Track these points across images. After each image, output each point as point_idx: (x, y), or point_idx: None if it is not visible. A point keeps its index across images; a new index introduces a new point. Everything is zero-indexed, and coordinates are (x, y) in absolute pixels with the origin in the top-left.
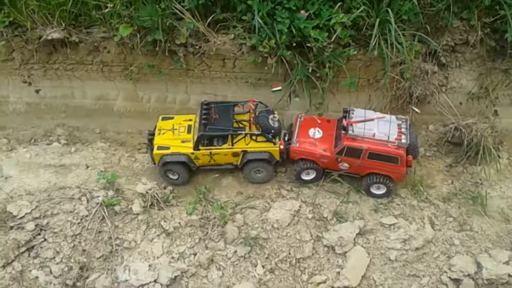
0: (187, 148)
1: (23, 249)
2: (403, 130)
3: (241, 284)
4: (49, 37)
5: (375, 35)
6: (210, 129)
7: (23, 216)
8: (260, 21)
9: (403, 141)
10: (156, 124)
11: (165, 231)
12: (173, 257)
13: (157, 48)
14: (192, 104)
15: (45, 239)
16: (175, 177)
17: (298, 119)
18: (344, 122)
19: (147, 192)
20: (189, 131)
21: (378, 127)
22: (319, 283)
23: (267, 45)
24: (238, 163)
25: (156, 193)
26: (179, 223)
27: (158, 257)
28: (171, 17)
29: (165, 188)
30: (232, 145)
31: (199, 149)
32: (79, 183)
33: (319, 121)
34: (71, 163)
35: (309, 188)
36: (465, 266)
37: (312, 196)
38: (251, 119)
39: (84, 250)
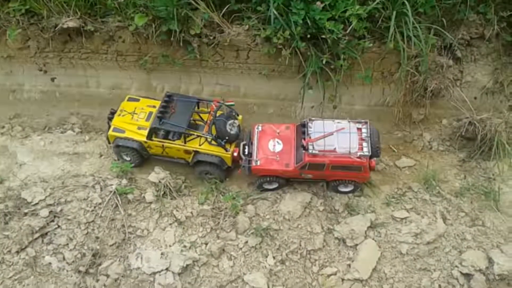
0: (141, 136)
1: (37, 235)
2: (363, 136)
3: (252, 274)
4: (65, 26)
5: (392, 28)
6: (163, 123)
7: (37, 203)
8: (275, 12)
9: (365, 151)
10: (121, 103)
11: (177, 220)
12: (185, 246)
13: (171, 38)
14: (205, 95)
15: (59, 226)
16: (128, 159)
17: (256, 130)
18: (303, 142)
19: (159, 181)
20: (147, 119)
21: (338, 142)
22: (329, 275)
23: (281, 37)
24: (190, 160)
25: (169, 183)
26: (191, 212)
27: (170, 246)
28: (186, 7)
29: (178, 177)
30: (185, 143)
31: (152, 140)
32: (93, 171)
33: (278, 131)
34: (85, 151)
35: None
36: (476, 261)
37: (323, 189)
38: (208, 120)
39: (97, 238)
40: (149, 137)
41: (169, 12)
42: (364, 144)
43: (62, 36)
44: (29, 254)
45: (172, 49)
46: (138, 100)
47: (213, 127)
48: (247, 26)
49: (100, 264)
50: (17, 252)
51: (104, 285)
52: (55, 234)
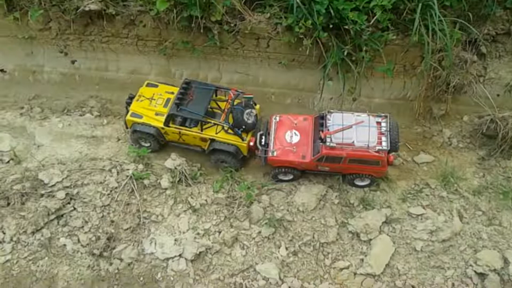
0: (159, 122)
1: (53, 216)
2: (383, 130)
3: (264, 264)
4: (86, 8)
5: (417, 20)
6: (181, 110)
7: (54, 185)
8: (298, 0)
9: (384, 145)
10: (140, 88)
11: (191, 207)
12: (198, 233)
13: (192, 24)
14: (223, 82)
15: (75, 208)
16: (147, 144)
17: (273, 120)
18: (321, 134)
19: (175, 168)
20: (165, 105)
21: (356, 135)
22: (342, 269)
23: (303, 26)
24: (206, 148)
25: (185, 169)
26: (206, 200)
27: (184, 232)
28: None
29: (193, 165)
30: (201, 130)
31: (169, 126)
32: (110, 155)
33: (295, 122)
34: (102, 135)
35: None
36: (491, 261)
37: (339, 182)
38: (226, 109)
39: (112, 221)
40: (166, 123)
41: None
42: (383, 138)
43: (83, 18)
44: (44, 235)
45: (192, 36)
46: (156, 86)
47: (230, 115)
48: (268, 14)
49: (114, 248)
50: (33, 232)
51: (118, 268)
52: (70, 216)
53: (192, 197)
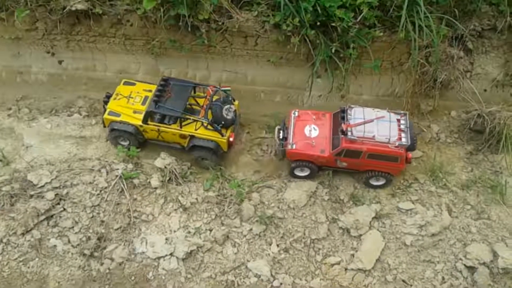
0: (137, 120)
1: (42, 217)
2: (402, 127)
3: (255, 261)
4: (73, 8)
5: (403, 17)
6: (159, 107)
7: (43, 185)
8: None
9: (404, 141)
10: (117, 87)
11: (182, 206)
12: (189, 232)
13: (179, 23)
14: (212, 81)
15: (65, 209)
16: (125, 143)
17: (292, 115)
18: (343, 126)
19: (165, 167)
20: (143, 103)
21: (378, 129)
22: (332, 264)
23: (290, 24)
24: (185, 145)
25: (175, 168)
26: (196, 199)
27: (174, 231)
28: None
29: (183, 163)
30: (180, 127)
31: (147, 124)
32: (99, 155)
33: (314, 117)
34: (91, 135)
35: (327, 169)
36: (481, 254)
37: (329, 178)
38: (205, 105)
39: (102, 221)
40: (144, 121)
41: None
42: (403, 134)
43: (70, 18)
44: (35, 236)
45: (180, 34)
46: (134, 84)
47: (209, 111)
48: (256, 12)
49: (105, 248)
50: (23, 234)
51: (109, 268)
52: (60, 217)
53: (182, 196)
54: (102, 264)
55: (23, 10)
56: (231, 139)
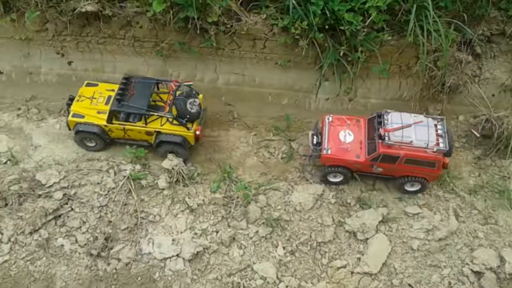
0: (101, 120)
1: (50, 217)
2: (440, 132)
3: (261, 263)
4: (83, 10)
5: (412, 21)
6: (123, 105)
7: (52, 185)
8: (293, 1)
9: (442, 146)
10: (79, 89)
11: (189, 207)
12: (196, 233)
13: (188, 25)
14: (220, 83)
15: (72, 209)
16: (92, 144)
17: (326, 120)
18: (381, 131)
19: (173, 168)
20: (107, 102)
21: (416, 134)
22: (339, 268)
23: (299, 27)
24: (152, 142)
25: (182, 170)
26: (203, 200)
27: (181, 232)
28: None
29: (192, 165)
30: (146, 124)
31: (112, 123)
32: (107, 155)
33: (348, 122)
34: None
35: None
36: (487, 260)
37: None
38: (168, 100)
39: (109, 222)
40: (109, 120)
41: None
42: (441, 139)
43: (80, 20)
44: (42, 235)
45: (189, 37)
46: (96, 85)
47: (174, 107)
48: (264, 15)
49: (112, 248)
50: (30, 233)
51: (115, 268)
52: (68, 216)
53: (189, 197)
54: (109, 264)
55: (34, 11)
56: (197, 132)
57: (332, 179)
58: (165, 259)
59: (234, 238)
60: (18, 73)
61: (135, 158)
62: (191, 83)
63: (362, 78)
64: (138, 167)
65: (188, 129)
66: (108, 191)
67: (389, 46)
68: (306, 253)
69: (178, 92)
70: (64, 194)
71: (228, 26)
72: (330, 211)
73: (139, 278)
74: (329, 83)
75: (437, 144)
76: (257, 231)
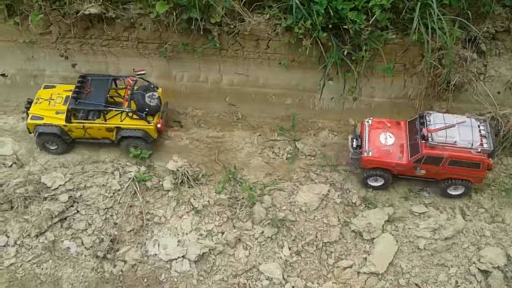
0: (60, 120)
1: (56, 219)
2: (483, 133)
3: (267, 264)
4: (86, 12)
5: (416, 19)
6: (80, 103)
7: (57, 188)
8: (296, 1)
9: (486, 146)
10: (37, 91)
11: (194, 209)
12: (201, 234)
13: (192, 27)
14: (224, 84)
15: (78, 211)
16: (53, 147)
17: (366, 124)
18: (424, 131)
19: (178, 170)
20: (65, 103)
21: (460, 134)
22: (345, 268)
23: (302, 26)
24: (114, 138)
25: (187, 171)
26: (208, 201)
27: (187, 234)
28: None
29: (197, 166)
30: (105, 120)
31: (71, 122)
32: (112, 157)
33: (389, 125)
34: None
35: (339, 172)
36: (494, 258)
37: (341, 181)
38: (126, 95)
39: (115, 223)
40: (68, 119)
41: (190, 0)
42: (484, 140)
43: (83, 22)
44: (48, 238)
45: (192, 38)
46: (54, 86)
47: (132, 101)
48: (268, 15)
49: (117, 250)
50: (36, 236)
51: (121, 270)
52: (74, 219)
53: (194, 199)
54: (115, 266)
55: (38, 14)
56: (159, 125)
57: (372, 183)
58: (171, 260)
59: (239, 239)
60: (23, 76)
61: (140, 160)
62: (143, 72)
63: (367, 76)
64: (143, 169)
65: (148, 122)
66: (114, 193)
67: (393, 44)
68: (312, 254)
69: (136, 87)
70: (69, 197)
71: (232, 26)
72: (335, 211)
73: (145, 280)
74: (333, 82)
75: (481, 144)
76: (262, 232)
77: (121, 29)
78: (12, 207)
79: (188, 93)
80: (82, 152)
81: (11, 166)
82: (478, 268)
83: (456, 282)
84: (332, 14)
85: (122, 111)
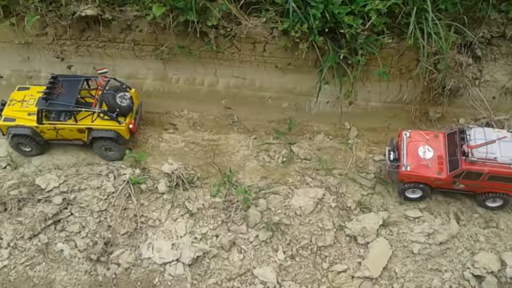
0: (32, 121)
1: (50, 222)
2: None
3: (262, 268)
4: (83, 14)
5: (412, 24)
6: (50, 104)
7: (51, 190)
8: (293, 4)
9: None
10: (11, 93)
11: (189, 212)
12: (195, 238)
13: (188, 29)
14: (220, 86)
15: (72, 213)
16: (27, 149)
17: (404, 136)
18: (465, 148)
19: (172, 172)
20: (37, 104)
21: (500, 150)
22: (339, 272)
23: (299, 30)
24: (86, 139)
25: (182, 174)
26: (203, 204)
27: (181, 237)
28: None
29: (192, 169)
30: (76, 121)
31: (42, 123)
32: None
33: (427, 137)
34: None
35: (334, 176)
36: (488, 263)
37: (336, 185)
38: (96, 96)
39: (109, 226)
40: (39, 121)
41: (186, 3)
42: None
43: (80, 24)
44: (42, 240)
45: (188, 40)
46: (28, 88)
47: (103, 101)
48: (264, 18)
49: (111, 253)
50: (30, 238)
51: (115, 273)
52: (67, 221)
53: (189, 201)
54: (108, 269)
55: (33, 16)
56: (131, 126)
57: (410, 195)
58: (165, 263)
59: (234, 243)
60: (18, 77)
61: (135, 162)
62: (105, 70)
63: (363, 81)
64: (137, 171)
65: (119, 123)
66: (108, 196)
67: (389, 49)
68: (306, 258)
69: (107, 88)
70: (63, 199)
71: (228, 29)
72: (330, 215)
73: (139, 283)
74: (329, 86)
75: None
76: (257, 235)
77: (117, 31)
78: (5, 209)
79: (184, 96)
80: (77, 154)
81: (5, 167)
82: (472, 273)
83: (450, 287)
84: (328, 18)
85: (93, 112)
